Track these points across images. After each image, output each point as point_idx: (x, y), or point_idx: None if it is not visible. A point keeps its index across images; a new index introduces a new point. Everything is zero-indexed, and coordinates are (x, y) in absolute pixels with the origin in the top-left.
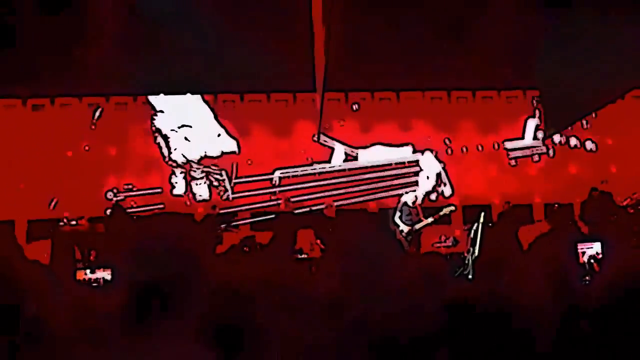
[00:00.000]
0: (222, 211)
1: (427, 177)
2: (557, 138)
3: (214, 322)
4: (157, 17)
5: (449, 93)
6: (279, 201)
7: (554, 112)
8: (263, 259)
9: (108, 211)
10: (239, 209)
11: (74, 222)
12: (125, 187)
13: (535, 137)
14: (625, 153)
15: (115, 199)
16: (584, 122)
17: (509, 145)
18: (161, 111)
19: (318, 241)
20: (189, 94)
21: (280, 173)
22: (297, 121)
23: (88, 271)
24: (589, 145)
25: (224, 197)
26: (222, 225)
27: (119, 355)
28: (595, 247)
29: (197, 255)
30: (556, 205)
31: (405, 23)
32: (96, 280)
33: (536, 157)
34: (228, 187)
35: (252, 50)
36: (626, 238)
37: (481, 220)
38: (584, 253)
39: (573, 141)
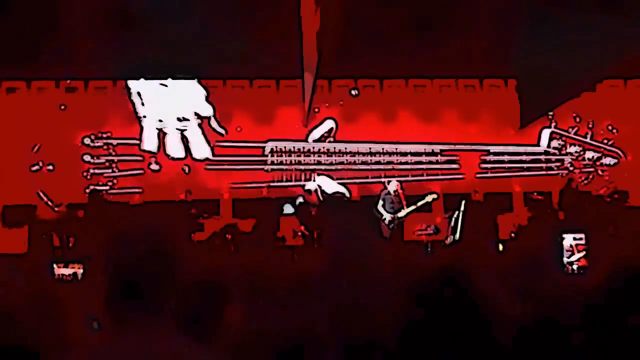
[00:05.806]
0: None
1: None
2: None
3: (195, 313)
4: (139, 1)
5: (432, 81)
6: (264, 186)
7: (530, 100)
8: (246, 247)
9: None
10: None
11: (52, 209)
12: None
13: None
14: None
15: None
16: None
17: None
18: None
19: (302, 227)
20: (170, 79)
21: (273, 145)
22: (281, 108)
23: (62, 265)
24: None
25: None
26: (204, 214)
27: (97, 350)
28: (569, 240)
29: (174, 242)
30: (535, 194)
31: (389, 10)
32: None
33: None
34: (206, 145)
35: (235, 35)
36: (604, 227)
37: (462, 208)
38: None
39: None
